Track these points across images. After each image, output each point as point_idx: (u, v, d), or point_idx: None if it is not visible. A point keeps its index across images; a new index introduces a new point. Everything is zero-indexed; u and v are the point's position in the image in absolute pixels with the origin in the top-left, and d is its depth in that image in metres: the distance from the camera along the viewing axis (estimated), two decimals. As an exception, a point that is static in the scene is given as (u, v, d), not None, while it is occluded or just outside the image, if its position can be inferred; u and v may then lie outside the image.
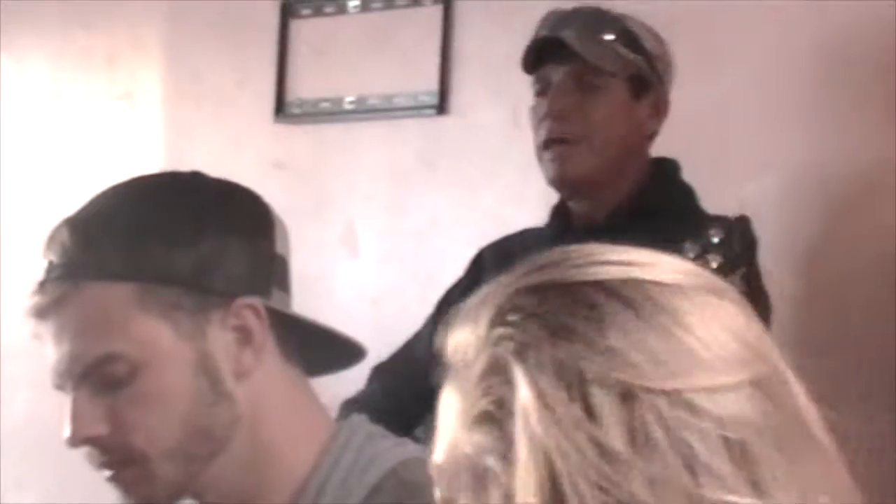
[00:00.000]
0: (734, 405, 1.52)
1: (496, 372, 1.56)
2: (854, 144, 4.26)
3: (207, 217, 2.45)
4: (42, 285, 2.37)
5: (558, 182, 4.03)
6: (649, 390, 1.50)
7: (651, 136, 4.18)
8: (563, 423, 1.50)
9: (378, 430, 2.55)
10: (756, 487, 1.50)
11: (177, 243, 2.39)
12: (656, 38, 4.14)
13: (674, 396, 1.50)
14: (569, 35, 4.06)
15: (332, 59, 5.38)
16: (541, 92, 4.07)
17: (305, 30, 5.47)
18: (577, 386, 1.51)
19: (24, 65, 6.54)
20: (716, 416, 1.50)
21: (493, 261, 3.75)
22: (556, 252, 1.66)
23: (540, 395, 1.52)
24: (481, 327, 1.60)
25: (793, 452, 1.54)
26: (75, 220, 2.41)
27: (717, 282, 1.65)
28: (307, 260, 4.52)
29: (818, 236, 4.32)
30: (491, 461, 1.56)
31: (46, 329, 2.36)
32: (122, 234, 2.40)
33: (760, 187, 4.28)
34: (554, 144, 4.03)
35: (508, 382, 1.54)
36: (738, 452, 1.50)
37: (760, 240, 3.88)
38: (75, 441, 2.34)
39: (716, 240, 3.64)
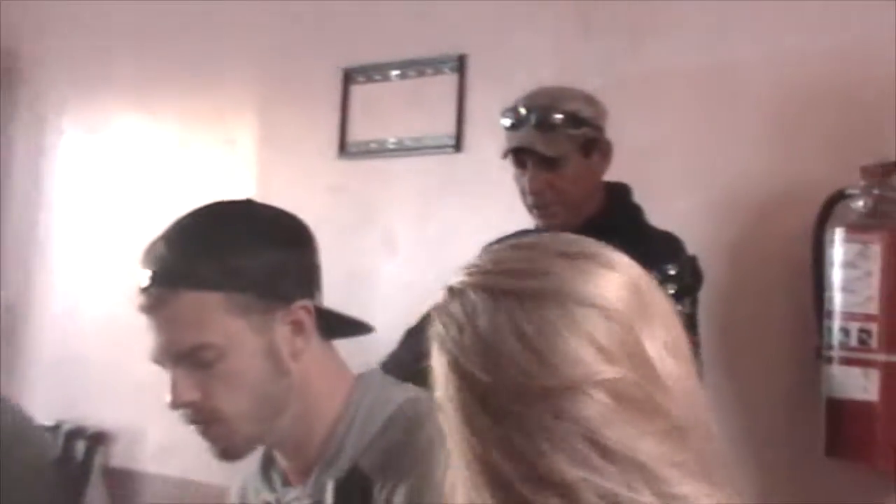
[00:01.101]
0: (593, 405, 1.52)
1: (433, 339, 1.62)
2: (759, 169, 4.21)
3: (269, 236, 2.53)
4: (146, 290, 2.43)
5: (543, 228, 4.01)
6: (542, 393, 1.53)
7: (601, 173, 4.12)
8: (462, 408, 1.57)
9: (388, 378, 2.61)
10: (641, 474, 1.50)
11: (250, 258, 2.47)
12: (589, 101, 4.10)
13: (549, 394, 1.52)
14: (531, 137, 4.06)
15: (378, 112, 5.41)
16: (518, 166, 4.07)
17: (360, 91, 5.47)
18: (483, 391, 1.55)
19: (157, 118, 6.56)
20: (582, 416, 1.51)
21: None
22: (506, 249, 1.70)
23: (449, 384, 1.59)
24: (437, 305, 1.65)
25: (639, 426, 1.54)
26: (170, 238, 2.46)
27: (634, 279, 1.64)
28: (358, 258, 4.59)
29: (732, 240, 4.26)
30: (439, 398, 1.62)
31: (150, 321, 2.43)
32: (209, 250, 2.47)
33: (688, 203, 4.27)
34: (537, 209, 4.05)
35: (436, 359, 1.62)
36: (625, 447, 1.52)
37: (688, 241, 3.95)
38: (175, 405, 2.45)
39: (672, 272, 3.65)
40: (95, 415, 6.50)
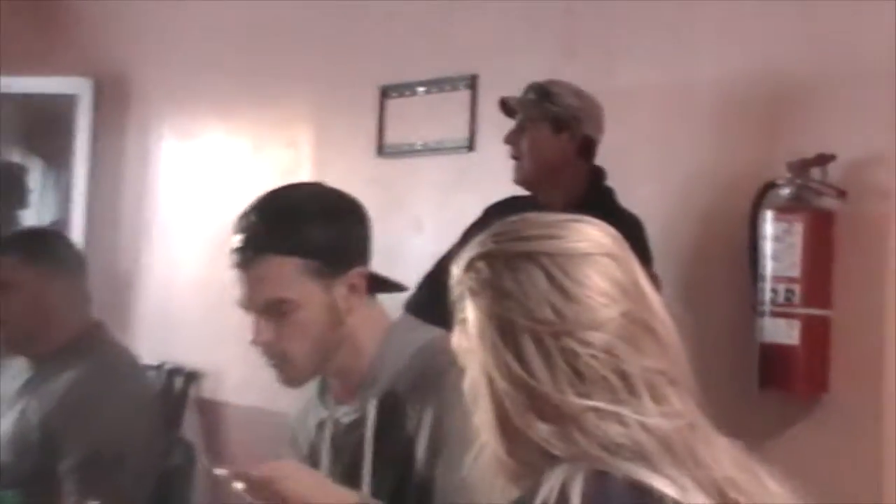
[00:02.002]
0: (611, 332, 1.50)
1: (461, 300, 1.62)
2: (707, 165, 4.18)
3: (336, 213, 2.56)
4: (238, 251, 2.48)
5: (517, 182, 4.10)
6: (554, 332, 1.50)
7: (583, 155, 4.12)
8: (491, 341, 1.54)
9: (417, 321, 2.66)
10: (629, 387, 1.49)
11: (322, 231, 2.50)
12: (576, 94, 4.11)
13: (572, 335, 1.50)
14: (515, 101, 4.13)
15: (407, 121, 5.37)
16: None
17: (393, 104, 5.45)
18: (506, 327, 1.53)
19: (234, 126, 6.57)
20: (600, 346, 1.49)
21: (495, 214, 3.46)
22: (515, 222, 1.65)
23: (480, 323, 1.57)
24: (460, 270, 1.63)
25: (643, 350, 1.52)
26: (259, 210, 2.51)
27: (610, 243, 1.61)
28: (391, 236, 4.56)
29: (686, 220, 4.23)
30: (463, 341, 1.61)
31: (239, 276, 2.49)
32: (291, 223, 2.50)
33: (651, 191, 4.24)
34: (513, 161, 4.11)
35: (465, 307, 1.60)
36: (616, 367, 1.49)
37: (652, 220, 3.95)
38: (255, 342, 2.52)
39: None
40: (190, 357, 6.53)
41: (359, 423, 2.51)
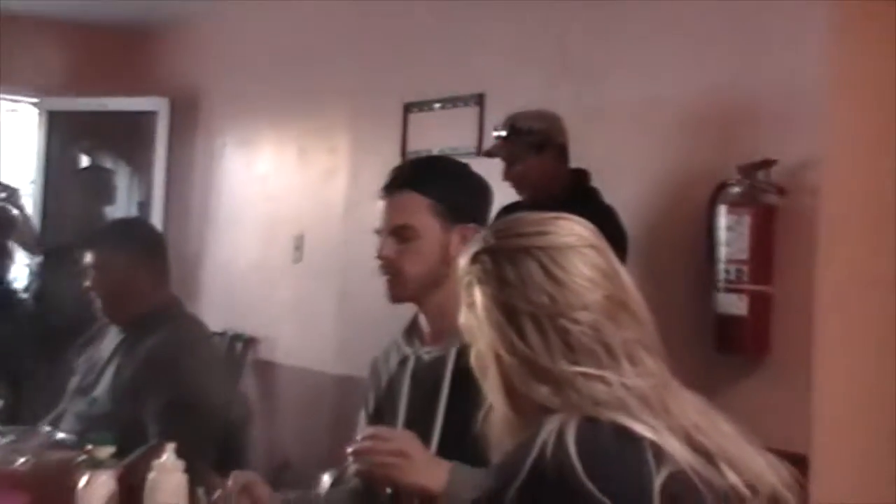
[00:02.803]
0: (595, 311, 1.50)
1: (469, 287, 1.61)
2: (674, 169, 4.17)
3: (466, 177, 2.62)
4: (386, 184, 2.51)
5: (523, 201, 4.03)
6: (549, 314, 1.49)
7: (560, 159, 4.11)
8: (497, 322, 1.53)
9: None
10: (611, 354, 1.48)
11: (452, 184, 2.54)
12: (540, 117, 4.13)
13: (563, 315, 1.49)
14: (498, 148, 4.13)
15: (426, 131, 5.38)
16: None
17: (414, 118, 5.47)
18: (509, 310, 1.52)
19: (284, 133, 6.58)
20: (586, 322, 1.49)
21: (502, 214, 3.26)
22: (513, 220, 1.65)
23: (486, 307, 1.55)
24: (466, 262, 1.63)
25: (621, 324, 1.51)
26: (411, 162, 2.81)
27: (591, 237, 1.59)
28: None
29: (656, 214, 4.22)
30: (470, 320, 1.61)
31: (383, 203, 2.51)
32: (431, 172, 2.62)
33: (629, 190, 4.22)
34: (515, 189, 4.08)
35: (473, 293, 1.59)
36: (600, 339, 1.49)
37: (629, 213, 3.95)
38: (379, 257, 2.49)
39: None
40: (248, 325, 6.55)
41: (439, 362, 2.46)
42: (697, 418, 1.46)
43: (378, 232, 2.53)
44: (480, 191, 2.64)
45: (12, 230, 6.54)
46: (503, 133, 4.13)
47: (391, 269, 2.51)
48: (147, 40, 7.91)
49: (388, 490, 2.33)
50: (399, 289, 2.52)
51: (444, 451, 2.28)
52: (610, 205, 3.98)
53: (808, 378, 3.69)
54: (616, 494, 1.29)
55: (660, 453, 1.36)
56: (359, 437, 2.24)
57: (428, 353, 2.52)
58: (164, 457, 2.06)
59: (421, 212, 2.49)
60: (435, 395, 2.44)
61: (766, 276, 3.75)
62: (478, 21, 5.17)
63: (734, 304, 3.76)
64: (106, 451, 2.55)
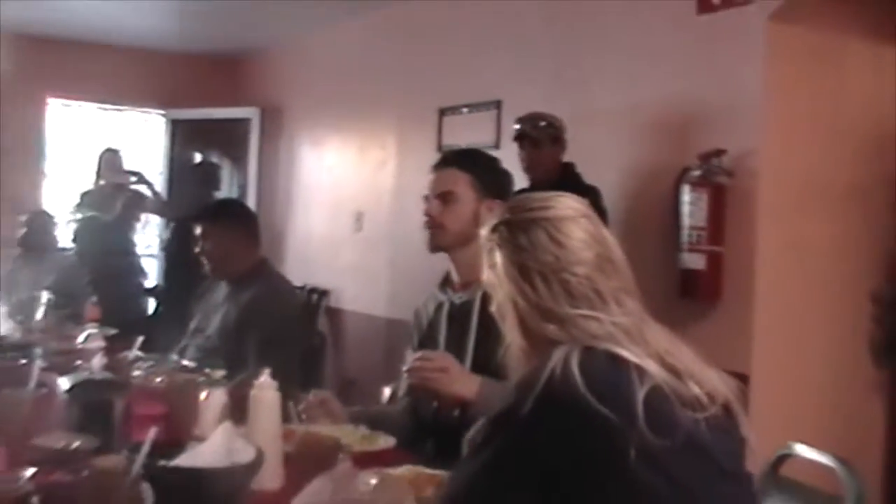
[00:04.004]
0: (588, 266, 1.49)
1: (490, 252, 1.57)
2: (648, 158, 4.14)
3: (496, 164, 2.63)
4: (437, 164, 2.55)
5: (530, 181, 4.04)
6: (554, 270, 1.48)
7: (562, 155, 4.11)
8: (513, 277, 1.51)
9: None
10: (602, 299, 1.47)
11: (486, 166, 2.57)
12: (553, 118, 4.10)
13: (565, 270, 1.48)
14: (526, 128, 4.10)
15: (457, 130, 5.34)
16: (521, 148, 4.12)
17: (448, 120, 5.44)
18: (523, 268, 1.50)
19: (347, 136, 6.57)
20: (582, 275, 1.48)
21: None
22: (523, 198, 1.61)
23: (505, 266, 1.53)
24: (487, 231, 1.60)
25: (608, 275, 1.50)
26: (457, 149, 2.66)
27: (583, 209, 1.57)
28: None
29: (633, 193, 4.18)
30: (492, 277, 1.58)
31: (433, 175, 2.54)
32: (471, 156, 2.60)
33: (612, 176, 4.18)
34: (527, 170, 4.06)
35: (494, 256, 1.56)
36: (593, 287, 1.48)
37: (612, 192, 3.92)
38: (426, 213, 2.50)
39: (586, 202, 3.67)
40: (321, 280, 6.57)
41: (469, 305, 2.46)
42: (667, 345, 1.44)
43: (426, 198, 2.53)
44: (505, 175, 2.64)
45: (147, 204, 6.60)
46: (541, 123, 4.11)
47: (434, 223, 2.50)
48: (242, 65, 7.95)
49: (434, 403, 2.36)
50: (438, 239, 2.51)
51: (474, 371, 2.28)
52: (594, 185, 3.95)
53: (749, 317, 3.69)
54: (610, 404, 1.29)
55: (641, 372, 1.35)
56: (409, 360, 2.24)
57: (459, 298, 2.51)
58: (262, 378, 2.08)
59: (461, 183, 2.49)
60: (466, 329, 2.43)
61: (719, 239, 3.73)
62: (495, 45, 5.14)
63: (694, 261, 3.75)
64: (219, 374, 2.59)
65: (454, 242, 2.50)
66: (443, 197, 2.50)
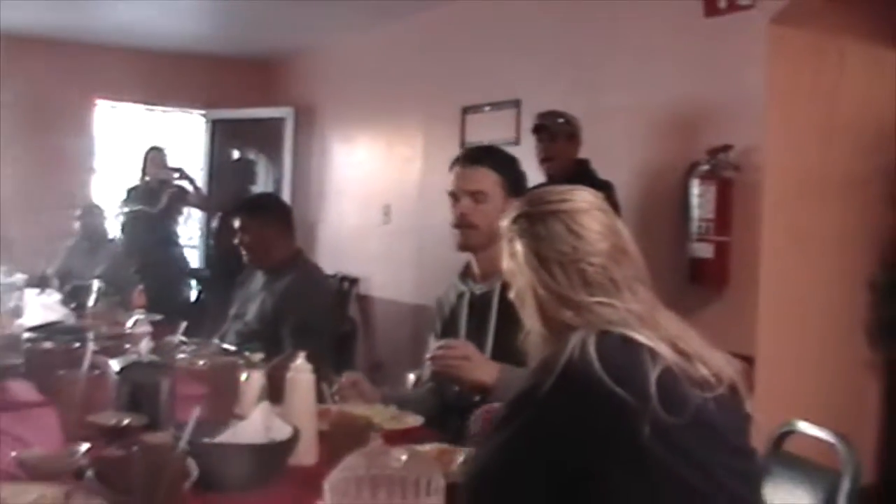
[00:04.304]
0: (603, 256, 1.48)
1: (511, 242, 1.56)
2: (659, 153, 4.13)
3: (516, 164, 2.54)
4: (464, 160, 2.48)
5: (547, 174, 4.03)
6: (572, 259, 1.47)
7: (577, 152, 4.10)
8: (533, 266, 1.51)
9: None
10: (616, 287, 1.47)
11: (509, 165, 2.49)
12: (572, 117, 4.08)
13: (582, 260, 1.47)
14: (545, 122, 4.08)
15: (479, 128, 5.33)
16: (539, 141, 4.10)
17: (470, 119, 5.42)
18: (542, 258, 1.50)
19: (375, 133, 6.57)
20: (598, 264, 1.47)
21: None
22: (541, 192, 1.60)
23: (525, 255, 1.53)
24: (508, 222, 1.59)
25: (622, 265, 1.49)
26: (483, 147, 2.64)
27: (598, 202, 1.56)
28: None
29: (647, 186, 4.17)
30: (512, 266, 1.57)
31: (461, 173, 2.45)
32: (496, 155, 2.53)
33: (623, 172, 4.17)
34: (544, 162, 4.07)
35: (515, 246, 1.56)
36: (608, 276, 1.47)
37: (626, 186, 3.91)
38: (456, 212, 2.44)
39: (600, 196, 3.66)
40: (352, 269, 6.58)
41: (488, 295, 2.42)
42: (677, 330, 1.44)
43: (452, 194, 2.47)
44: (523, 175, 2.57)
45: (189, 198, 6.64)
46: (559, 120, 4.10)
47: (465, 222, 2.44)
48: (277, 67, 7.96)
49: (456, 388, 2.36)
50: (469, 239, 2.46)
51: (494, 359, 2.27)
52: (608, 180, 3.93)
53: (754, 302, 3.69)
54: (625, 385, 1.29)
55: (654, 354, 1.35)
56: (433, 347, 2.24)
57: (480, 288, 2.48)
58: (298, 361, 2.09)
59: (491, 182, 2.43)
60: (486, 318, 2.41)
61: (726, 229, 3.72)
62: (515, 47, 5.12)
63: (703, 250, 3.74)
64: (257, 357, 2.60)
65: (485, 242, 2.43)
66: (474, 196, 2.43)
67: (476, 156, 2.51)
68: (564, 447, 1.32)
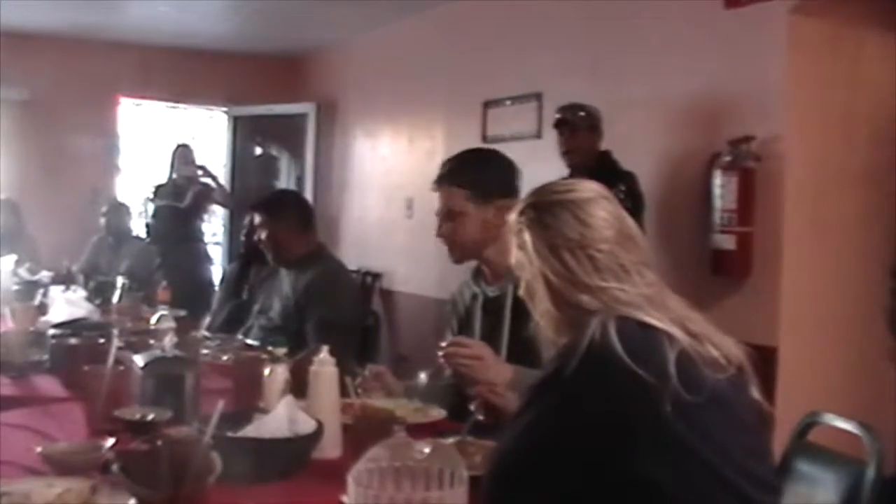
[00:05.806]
0: (611, 242, 1.50)
1: (519, 233, 1.57)
2: (681, 144, 4.11)
3: (485, 165, 2.51)
4: (436, 182, 2.48)
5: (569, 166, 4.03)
6: (580, 246, 1.49)
7: (599, 144, 4.08)
8: (543, 255, 1.51)
9: None
10: (625, 271, 1.49)
11: (485, 178, 2.44)
12: (594, 109, 4.07)
13: (590, 247, 1.49)
14: (566, 115, 4.08)
15: (500, 121, 5.32)
16: (560, 134, 4.09)
17: (492, 112, 5.41)
18: (552, 246, 1.51)
19: (398, 127, 6.58)
20: (606, 250, 1.49)
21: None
22: (547, 184, 1.62)
23: (534, 245, 1.54)
24: (517, 213, 1.59)
25: (629, 250, 1.51)
26: (452, 159, 2.51)
27: (603, 191, 1.58)
28: None
29: (668, 177, 4.14)
30: (521, 257, 1.57)
31: (438, 193, 2.48)
32: (459, 169, 2.47)
33: (646, 161, 4.14)
34: (565, 154, 4.06)
35: (523, 237, 1.56)
36: (617, 261, 1.49)
37: (649, 177, 3.90)
38: (438, 235, 2.49)
39: (622, 187, 3.61)
40: (375, 263, 6.60)
41: (501, 298, 2.42)
42: (686, 312, 1.47)
43: (437, 214, 2.51)
44: (507, 168, 2.52)
45: (213, 195, 6.67)
46: (580, 112, 4.09)
47: (446, 241, 2.49)
48: (299, 63, 7.99)
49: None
50: (453, 254, 2.50)
51: (509, 361, 2.27)
52: (630, 171, 3.93)
53: (776, 293, 3.67)
54: (646, 365, 1.31)
55: (671, 338, 1.37)
56: (445, 343, 2.23)
57: (492, 291, 2.48)
58: (321, 355, 2.09)
59: (457, 199, 2.43)
60: (500, 322, 2.42)
61: (748, 220, 3.71)
62: (536, 41, 5.12)
63: (725, 241, 3.73)
64: (281, 352, 2.60)
65: (470, 254, 2.48)
66: (447, 216, 2.46)
67: (440, 176, 2.50)
68: (589, 428, 1.34)
